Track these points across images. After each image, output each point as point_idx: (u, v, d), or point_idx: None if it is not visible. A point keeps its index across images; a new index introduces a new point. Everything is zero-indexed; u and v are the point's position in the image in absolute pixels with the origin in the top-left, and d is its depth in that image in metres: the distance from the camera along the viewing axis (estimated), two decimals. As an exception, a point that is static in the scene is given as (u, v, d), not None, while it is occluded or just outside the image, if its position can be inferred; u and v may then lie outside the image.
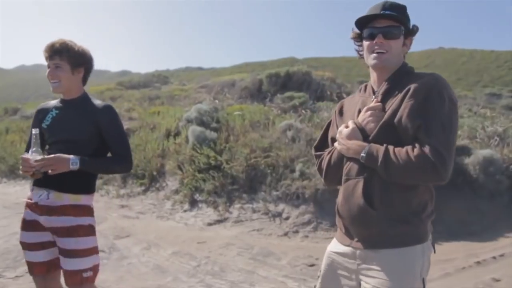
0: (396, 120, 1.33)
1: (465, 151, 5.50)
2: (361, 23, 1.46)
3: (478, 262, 3.82)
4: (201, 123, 7.30)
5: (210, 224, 5.30)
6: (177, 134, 7.78)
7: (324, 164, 1.54)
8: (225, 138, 6.86)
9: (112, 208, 6.27)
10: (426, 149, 1.25)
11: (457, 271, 3.67)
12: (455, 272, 3.64)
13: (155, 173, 6.91)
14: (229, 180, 5.94)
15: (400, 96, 1.35)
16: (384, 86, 1.43)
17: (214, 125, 7.32)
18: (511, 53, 39.80)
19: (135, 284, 3.32)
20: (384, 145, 1.32)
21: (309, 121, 7.27)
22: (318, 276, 1.55)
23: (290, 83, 10.61)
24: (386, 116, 1.36)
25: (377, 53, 1.41)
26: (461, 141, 5.82)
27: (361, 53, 1.53)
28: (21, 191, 7.77)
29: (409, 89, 1.33)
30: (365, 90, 1.55)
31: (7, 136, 10.73)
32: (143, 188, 6.82)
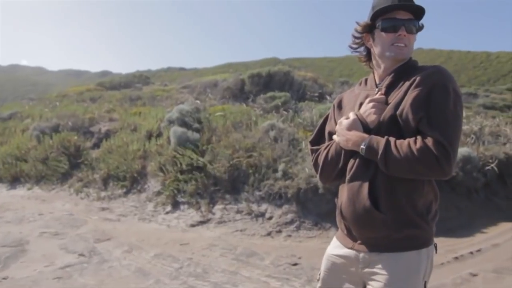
0: (398, 112, 1.29)
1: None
2: (375, 14, 1.40)
3: (456, 258, 3.92)
4: (183, 124, 7.24)
5: (193, 226, 5.26)
6: (159, 135, 7.70)
7: (321, 160, 1.47)
8: (207, 139, 6.82)
9: (92, 211, 6.15)
10: (429, 142, 1.20)
11: (436, 267, 3.74)
12: (434, 268, 3.71)
13: (136, 175, 6.82)
14: (211, 181, 5.92)
15: (404, 88, 1.32)
16: (388, 79, 1.40)
17: (196, 125, 7.28)
18: (486, 54, 41.01)
19: (116, 287, 3.27)
20: (385, 137, 1.27)
21: (291, 121, 7.31)
22: (318, 280, 1.50)
23: (272, 83, 10.65)
24: (388, 108, 1.32)
25: (399, 45, 1.37)
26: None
27: (355, 46, 1.50)
28: (-3, 195, 7.56)
29: (413, 81, 1.30)
30: (365, 83, 1.51)
31: (-18, 139, 10.40)
32: (124, 190, 6.72)
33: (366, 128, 1.35)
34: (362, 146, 1.30)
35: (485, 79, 34.04)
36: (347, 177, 1.37)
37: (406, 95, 1.29)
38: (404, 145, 1.23)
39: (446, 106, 1.25)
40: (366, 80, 1.52)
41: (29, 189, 7.74)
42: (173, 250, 4.27)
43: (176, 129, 6.90)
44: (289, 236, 4.72)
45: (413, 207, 1.30)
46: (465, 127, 6.54)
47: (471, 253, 4.04)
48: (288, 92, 10.03)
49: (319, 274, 1.49)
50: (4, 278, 3.43)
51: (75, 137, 8.67)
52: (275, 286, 3.34)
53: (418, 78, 1.30)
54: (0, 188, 8.08)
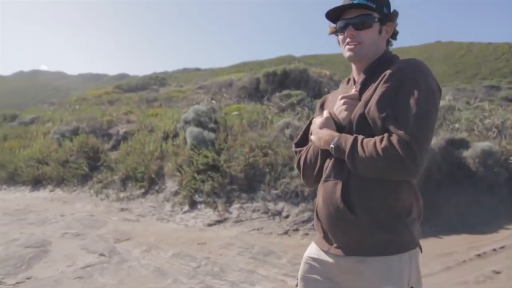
0: (366, 109, 1.23)
1: (464, 144, 5.49)
2: (335, 17, 1.37)
3: (479, 255, 3.81)
4: (199, 124, 7.29)
5: (210, 225, 5.29)
6: (175, 135, 7.77)
7: (302, 161, 1.45)
8: (223, 138, 6.85)
9: (112, 212, 6.26)
10: (394, 140, 1.12)
11: (458, 264, 3.66)
12: (456, 265, 3.63)
13: (154, 175, 6.90)
14: (228, 180, 5.94)
15: (375, 84, 1.26)
16: (362, 76, 1.35)
17: (212, 125, 7.32)
18: (508, 45, 39.77)
19: (135, 286, 3.31)
20: (354, 135, 1.22)
21: (306, 118, 7.26)
22: (296, 285, 1.44)
23: (287, 81, 10.61)
24: (359, 105, 1.27)
25: (350, 45, 1.33)
26: (459, 134, 5.81)
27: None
28: (21, 197, 7.78)
29: (383, 77, 1.24)
30: (347, 82, 1.46)
31: (5, 143, 10.73)
32: (142, 190, 6.81)
33: (339, 126, 1.32)
34: (331, 145, 1.26)
35: (507, 70, 33.02)
36: (322, 177, 1.34)
37: (375, 92, 1.24)
38: (370, 144, 1.16)
39: (414, 101, 1.16)
40: (348, 80, 1.47)
41: (51, 191, 7.94)
42: (191, 250, 4.30)
43: (192, 129, 6.95)
44: (306, 234, 4.69)
45: (390, 210, 1.24)
46: (486, 121, 6.37)
47: (494, 250, 3.93)
48: (303, 89, 9.98)
49: (297, 279, 1.44)
50: (28, 278, 3.52)
51: (94, 140, 8.84)
52: (292, 284, 3.32)
53: (387, 73, 1.24)
54: (23, 191, 8.31)
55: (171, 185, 6.61)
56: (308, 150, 1.44)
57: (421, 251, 1.34)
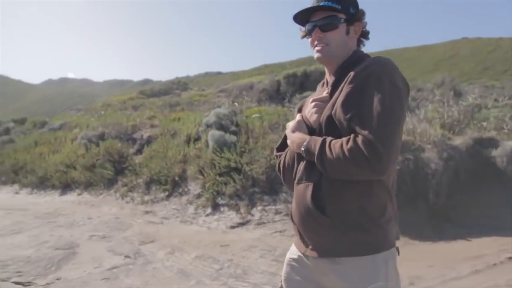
0: (333, 111, 1.23)
1: (492, 143, 5.31)
2: (303, 20, 1.38)
3: (510, 258, 3.67)
4: (220, 127, 7.35)
5: (232, 227, 5.32)
6: (197, 139, 7.86)
7: (281, 165, 1.46)
8: (244, 141, 6.88)
9: (137, 215, 6.39)
10: (359, 141, 1.12)
11: (488, 268, 3.54)
12: (486, 269, 3.51)
13: (177, 178, 7.00)
14: (250, 182, 5.96)
15: (341, 86, 1.27)
16: (332, 78, 1.35)
17: (233, 128, 7.36)
18: (539, 39, 38.19)
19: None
20: (323, 137, 1.23)
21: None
22: (281, 286, 1.46)
23: (308, 82, 10.56)
24: (327, 107, 1.27)
25: (318, 47, 1.34)
26: (487, 133, 5.63)
27: None
28: (51, 201, 8.05)
29: (348, 77, 1.24)
30: (322, 85, 1.46)
31: (36, 149, 11.13)
32: (166, 193, 6.92)
33: (311, 129, 1.32)
34: (302, 148, 1.27)
35: (539, 66, 31.68)
36: (295, 180, 1.34)
37: (341, 93, 1.24)
38: (337, 145, 1.17)
39: (378, 100, 1.15)
40: (324, 82, 1.47)
41: (78, 194, 8.18)
42: (214, 252, 4.34)
43: (214, 133, 7.01)
44: (329, 236, 4.64)
45: (362, 211, 1.22)
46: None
47: (527, 252, 3.77)
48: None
49: (281, 281, 1.45)
50: (57, 279, 3.64)
51: (119, 144, 9.05)
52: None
53: (352, 74, 1.24)
54: (53, 194, 8.60)
55: (194, 188, 6.69)
56: (286, 154, 1.45)
57: (398, 253, 1.32)
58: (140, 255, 4.29)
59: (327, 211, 1.23)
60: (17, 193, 9.28)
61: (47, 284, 3.51)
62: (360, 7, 1.38)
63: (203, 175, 6.59)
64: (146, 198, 7.04)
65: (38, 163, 9.79)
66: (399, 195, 5.07)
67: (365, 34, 1.40)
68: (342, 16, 1.32)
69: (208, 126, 7.70)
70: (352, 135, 1.15)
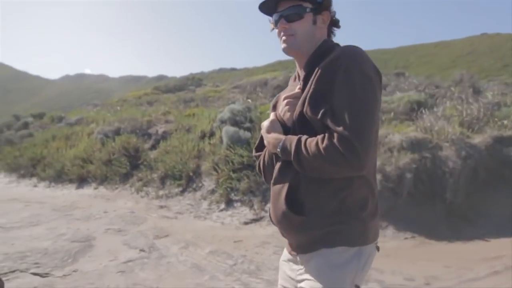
0: (304, 108, 1.18)
1: (513, 141, 5.18)
2: (270, 10, 1.32)
3: (530, 259, 3.58)
4: (235, 123, 7.36)
5: (246, 223, 5.33)
6: (212, 135, 7.89)
7: (261, 165, 1.42)
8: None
9: (151, 209, 6.46)
10: (335, 138, 1.07)
11: (507, 269, 3.46)
12: (504, 270, 3.43)
13: (191, 174, 7.05)
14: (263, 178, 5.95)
15: (311, 80, 1.20)
16: (303, 72, 1.28)
17: (247, 124, 7.36)
18: None
19: (174, 282, 3.40)
20: (298, 136, 1.17)
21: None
22: None
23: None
24: (298, 104, 1.21)
25: (284, 37, 1.28)
26: (507, 132, 5.49)
27: None
28: (68, 194, 8.20)
29: (317, 71, 1.18)
30: (295, 79, 1.40)
31: (53, 143, 11.35)
32: (180, 189, 6.97)
33: (285, 128, 1.27)
34: (278, 149, 1.22)
35: None
36: (272, 180, 1.31)
37: (310, 88, 1.19)
38: (312, 144, 1.12)
39: (349, 93, 1.10)
40: (296, 76, 1.40)
41: (95, 188, 8.31)
42: (227, 247, 4.35)
43: (228, 129, 7.02)
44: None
45: (341, 204, 1.18)
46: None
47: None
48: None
49: (279, 284, 1.41)
50: (74, 271, 3.71)
51: (135, 139, 9.15)
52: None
53: (320, 67, 1.18)
54: (70, 188, 8.76)
55: (208, 183, 6.72)
56: (265, 154, 1.41)
57: (378, 250, 1.28)
58: (154, 249, 4.33)
59: (305, 210, 1.19)
60: (35, 186, 9.49)
61: (64, 275, 3.58)
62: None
63: (217, 171, 6.62)
64: (161, 193, 7.11)
65: (55, 157, 9.98)
66: (416, 194, 4.99)
67: (335, 23, 1.34)
68: (308, 5, 1.26)
69: (223, 122, 7.72)
70: (327, 133, 1.10)
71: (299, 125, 1.20)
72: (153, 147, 9.00)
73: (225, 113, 7.86)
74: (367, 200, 1.22)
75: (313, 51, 1.27)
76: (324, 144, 1.09)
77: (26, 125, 16.32)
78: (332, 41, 1.31)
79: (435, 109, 7.02)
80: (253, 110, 8.38)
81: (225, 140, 6.97)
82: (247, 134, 6.91)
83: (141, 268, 3.72)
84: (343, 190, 1.17)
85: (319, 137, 1.11)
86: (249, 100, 10.28)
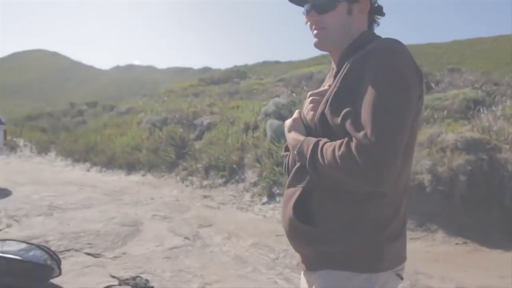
0: (326, 108, 1.04)
1: None
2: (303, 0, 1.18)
3: None
4: (279, 116, 7.34)
5: (288, 218, 5.31)
6: (256, 127, 7.93)
7: (286, 166, 1.29)
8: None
9: (195, 198, 6.62)
10: (352, 146, 0.92)
11: None
12: None
13: (234, 165, 7.13)
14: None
15: (337, 77, 1.07)
16: (336, 67, 1.15)
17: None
18: None
19: (217, 272, 3.46)
20: (316, 139, 1.04)
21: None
22: None
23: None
24: (322, 103, 1.07)
25: (315, 32, 1.14)
26: None
27: None
28: (117, 180, 8.61)
29: (345, 67, 1.04)
30: (330, 76, 1.27)
31: (105, 131, 11.93)
32: (223, 179, 7.09)
33: (308, 128, 1.14)
34: (295, 151, 1.09)
35: None
36: (286, 183, 1.19)
37: (335, 86, 1.05)
38: (329, 150, 0.97)
39: (377, 94, 0.93)
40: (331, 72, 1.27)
41: (142, 175, 8.66)
42: (269, 241, 4.37)
43: (273, 122, 7.02)
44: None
45: (354, 222, 1.03)
46: None
47: None
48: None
49: None
50: (123, 253, 3.89)
51: (181, 130, 9.40)
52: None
53: (349, 62, 1.04)
54: (120, 174, 9.18)
55: (250, 175, 6.77)
56: (289, 155, 1.28)
57: (401, 279, 1.11)
58: (198, 237, 4.44)
59: (315, 220, 1.06)
60: (88, 170, 10.05)
61: (114, 257, 3.76)
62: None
63: (260, 163, 6.65)
64: (205, 183, 7.26)
65: (107, 144, 10.50)
66: (470, 198, 4.71)
67: (378, 10, 1.17)
68: None
69: (267, 115, 7.73)
70: (346, 139, 0.95)
71: (321, 127, 1.07)
72: (198, 137, 9.20)
73: (270, 106, 7.86)
74: (388, 221, 1.06)
75: (348, 44, 1.12)
76: (340, 152, 0.94)
77: (80, 113, 17.30)
78: (371, 33, 1.15)
79: (493, 108, 6.58)
80: (297, 104, 8.30)
81: (269, 133, 6.97)
82: (292, 128, 6.86)
83: (185, 255, 3.83)
84: (359, 205, 1.02)
85: (338, 142, 0.97)
86: (294, 94, 10.20)
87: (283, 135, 5.87)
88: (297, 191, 1.11)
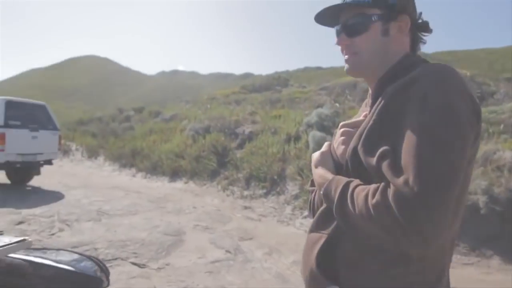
0: (359, 144, 0.88)
1: None
2: (331, 20, 1.05)
3: None
4: (322, 128, 7.23)
5: (330, 234, 5.19)
6: (298, 138, 7.86)
7: (311, 203, 1.15)
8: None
9: (236, 209, 6.65)
10: (390, 195, 0.75)
11: None
12: None
13: (275, 177, 7.10)
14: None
15: (374, 107, 0.92)
16: (371, 97, 1.00)
17: (335, 130, 7.18)
18: None
19: (258, 289, 3.44)
20: (346, 180, 0.88)
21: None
22: None
23: (420, 83, 9.74)
24: (354, 137, 0.92)
25: (345, 57, 1.01)
26: None
27: None
28: (161, 187, 8.85)
29: (384, 96, 0.89)
30: (366, 104, 1.11)
31: (150, 137, 12.34)
32: (264, 191, 7.07)
33: (338, 164, 0.98)
34: (321, 191, 0.95)
35: None
36: (310, 225, 1.03)
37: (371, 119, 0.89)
38: (361, 196, 0.81)
39: (424, 133, 0.77)
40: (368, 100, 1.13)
41: (185, 183, 8.84)
42: (311, 258, 4.27)
43: (315, 134, 6.92)
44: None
45: (387, 286, 0.85)
46: None
47: None
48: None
49: None
50: (167, 264, 3.96)
51: (223, 138, 9.52)
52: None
53: (388, 92, 0.88)
54: (163, 180, 9.44)
55: (292, 188, 6.70)
56: (316, 191, 1.13)
57: None
58: (239, 251, 4.44)
59: (339, 277, 0.90)
60: (134, 176, 10.42)
61: (159, 268, 3.84)
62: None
63: (301, 176, 6.56)
64: (245, 193, 7.28)
65: (152, 150, 10.85)
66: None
67: (423, 27, 1.00)
68: (374, 12, 0.96)
69: (309, 126, 7.63)
70: (382, 185, 0.79)
71: (352, 165, 0.91)
72: (240, 146, 9.27)
73: (312, 117, 7.76)
74: (431, 284, 0.88)
75: (388, 69, 0.96)
76: (374, 200, 0.78)
77: (128, 118, 18.02)
78: (415, 57, 0.99)
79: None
80: (341, 115, 8.14)
81: (311, 145, 6.88)
82: (335, 141, 6.73)
83: (227, 271, 3.83)
84: (395, 267, 0.85)
85: (372, 187, 0.81)
86: (337, 104, 10.01)
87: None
88: (321, 238, 0.96)
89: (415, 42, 1.01)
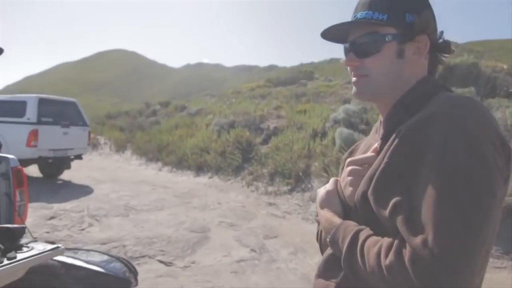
0: (370, 189, 0.77)
1: None
2: (340, 37, 0.93)
3: None
4: (349, 124, 7.08)
5: (357, 234, 5.09)
6: (324, 135, 7.74)
7: (318, 238, 1.04)
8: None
9: (261, 205, 6.64)
10: (406, 256, 0.65)
11: None
12: None
13: (300, 173, 7.03)
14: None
15: (386, 146, 0.80)
16: (383, 127, 0.87)
17: (363, 127, 7.02)
18: None
19: (283, 291, 3.42)
20: (356, 228, 0.78)
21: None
22: None
23: (452, 77, 9.37)
24: (364, 179, 0.81)
25: (353, 79, 0.90)
26: None
27: None
28: (186, 181, 8.95)
29: (396, 136, 0.77)
30: (376, 131, 0.97)
31: (176, 131, 12.49)
32: (289, 187, 7.02)
33: (346, 205, 0.88)
34: (327, 238, 0.85)
35: None
36: (316, 270, 0.94)
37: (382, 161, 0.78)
38: (372, 252, 0.71)
39: (446, 184, 0.66)
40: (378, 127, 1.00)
41: (210, 178, 8.90)
42: (337, 259, 4.21)
43: (342, 130, 6.79)
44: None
45: None
46: None
47: None
48: (472, 86, 8.67)
49: None
50: (192, 263, 4.00)
51: (247, 133, 9.50)
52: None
53: (402, 130, 0.76)
54: (188, 175, 9.55)
55: (317, 185, 6.61)
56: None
57: None
58: (264, 250, 4.42)
59: None
60: (160, 170, 10.59)
61: (185, 266, 3.88)
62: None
63: (327, 173, 6.47)
64: (270, 189, 7.26)
65: (177, 145, 10.98)
66: None
67: (443, 48, 0.88)
68: (389, 31, 0.84)
69: (336, 122, 7.50)
70: (396, 242, 0.69)
71: (362, 210, 0.81)
72: (265, 141, 9.23)
73: (340, 113, 7.62)
74: None
75: (400, 97, 0.85)
76: (388, 261, 0.68)
77: (154, 113, 18.32)
78: (433, 82, 0.86)
79: None
80: (369, 111, 7.95)
81: (338, 142, 6.76)
82: (362, 137, 6.59)
83: (252, 270, 3.83)
84: None
85: (384, 243, 0.70)
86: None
87: (353, 144, 5.65)
88: (329, 286, 0.87)
89: (434, 64, 0.90)
